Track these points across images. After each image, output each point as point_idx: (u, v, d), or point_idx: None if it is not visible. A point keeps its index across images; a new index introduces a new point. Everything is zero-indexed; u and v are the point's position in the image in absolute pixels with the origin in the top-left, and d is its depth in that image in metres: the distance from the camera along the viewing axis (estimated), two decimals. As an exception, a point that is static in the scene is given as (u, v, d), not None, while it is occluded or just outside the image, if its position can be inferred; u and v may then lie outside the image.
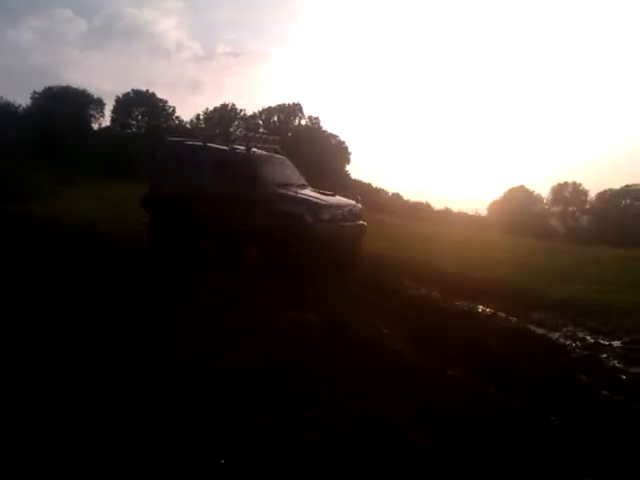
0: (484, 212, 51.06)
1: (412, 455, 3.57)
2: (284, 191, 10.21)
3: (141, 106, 53.93)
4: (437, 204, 48.21)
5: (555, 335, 7.37)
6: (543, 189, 58.44)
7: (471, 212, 46.05)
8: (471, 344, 6.11)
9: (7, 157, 21.08)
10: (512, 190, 54.38)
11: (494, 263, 13.41)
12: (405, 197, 50.62)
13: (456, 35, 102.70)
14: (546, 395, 4.84)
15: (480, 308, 8.42)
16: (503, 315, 8.11)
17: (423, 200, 49.22)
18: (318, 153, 43.73)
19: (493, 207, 53.09)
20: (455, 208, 46.82)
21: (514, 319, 7.94)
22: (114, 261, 9.44)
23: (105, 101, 52.06)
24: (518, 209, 48.30)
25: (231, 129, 53.08)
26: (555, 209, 57.79)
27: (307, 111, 57.10)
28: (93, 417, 3.71)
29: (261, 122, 56.07)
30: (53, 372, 4.43)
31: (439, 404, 4.36)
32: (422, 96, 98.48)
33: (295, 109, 56.68)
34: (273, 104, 56.96)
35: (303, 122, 57.00)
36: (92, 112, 51.40)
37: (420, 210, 44.51)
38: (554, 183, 58.15)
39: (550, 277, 12.12)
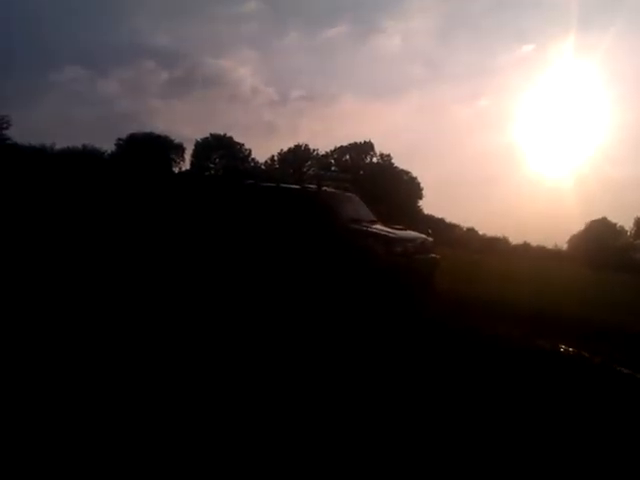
0: (564, 246, 49.22)
1: None
2: (356, 226, 10.24)
3: (219, 149, 56.09)
4: (515, 239, 46.81)
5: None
6: (626, 221, 55.75)
7: (550, 246, 44.44)
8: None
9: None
10: (593, 222, 52.18)
11: (576, 299, 12.79)
12: (480, 232, 49.53)
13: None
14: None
15: (562, 348, 7.99)
16: (587, 355, 7.67)
17: (500, 235, 47.97)
18: (390, 189, 43.73)
19: (573, 241, 51.05)
20: (534, 242, 45.31)
21: (597, 359, 7.50)
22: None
23: (185, 145, 54.47)
24: (600, 242, 46.17)
25: (304, 169, 54.17)
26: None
27: (379, 149, 57.53)
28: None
29: (333, 161, 56.89)
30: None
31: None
32: (493, 128, 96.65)
33: (366, 147, 57.23)
34: (345, 143, 57.79)
35: (375, 159, 57.38)
36: (173, 157, 53.91)
37: (497, 245, 43.43)
38: (638, 215, 55.35)
39: (636, 313, 11.42)
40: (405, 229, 10.87)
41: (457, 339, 8.13)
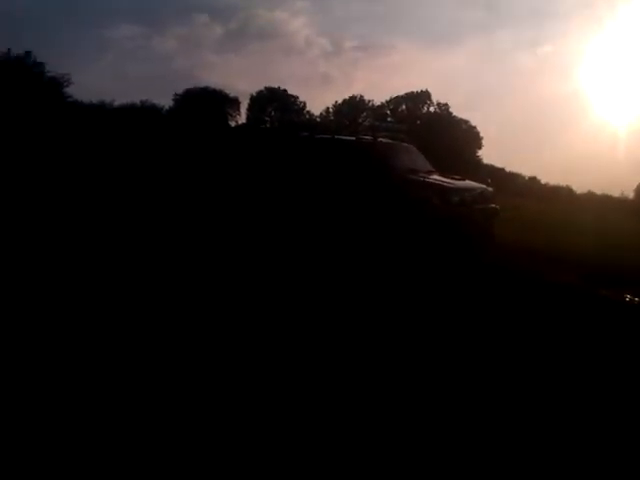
0: (631, 195, 47.00)
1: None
2: (411, 176, 10.13)
3: (274, 102, 55.90)
4: (579, 187, 45.02)
5: None
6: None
7: (616, 195, 42.53)
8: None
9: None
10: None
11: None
12: (543, 181, 47.92)
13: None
14: None
15: (628, 297, 7.77)
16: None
17: (563, 184, 46.27)
18: (448, 139, 42.72)
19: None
20: (599, 191, 43.46)
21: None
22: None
23: (241, 99, 54.45)
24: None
25: (360, 120, 53.44)
26: None
27: (436, 98, 55.97)
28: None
29: (389, 112, 55.84)
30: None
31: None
32: (556, 75, 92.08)
33: (423, 97, 55.78)
34: (401, 93, 56.48)
35: (432, 109, 55.95)
36: (229, 110, 54.09)
37: (560, 194, 41.99)
38: None
39: None
40: (463, 179, 10.66)
41: (517, 283, 8.05)
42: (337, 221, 10.38)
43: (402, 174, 10.19)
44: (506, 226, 11.72)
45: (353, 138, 11.50)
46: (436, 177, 10.43)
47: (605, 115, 76.65)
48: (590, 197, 42.47)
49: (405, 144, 11.52)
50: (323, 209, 10.49)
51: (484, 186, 10.58)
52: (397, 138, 11.61)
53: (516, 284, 8.05)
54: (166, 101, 48.99)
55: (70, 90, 35.05)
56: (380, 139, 11.10)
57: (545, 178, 48.39)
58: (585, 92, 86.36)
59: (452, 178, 10.48)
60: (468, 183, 10.50)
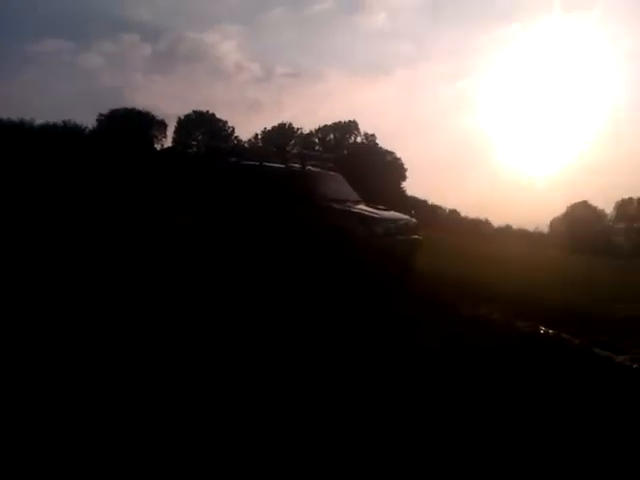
0: (545, 229, 49.55)
1: None
2: (337, 206, 10.19)
3: (202, 127, 55.36)
4: (497, 221, 47.04)
5: (619, 358, 6.94)
6: (607, 205, 56.34)
7: (532, 229, 44.76)
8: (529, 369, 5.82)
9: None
10: (574, 206, 52.58)
11: (557, 283, 12.83)
12: (463, 214, 49.70)
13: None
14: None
15: (542, 330, 8.03)
16: (567, 336, 7.72)
17: (482, 217, 48.18)
18: (374, 170, 43.63)
19: (555, 224, 51.42)
20: (515, 225, 45.58)
21: (577, 341, 7.56)
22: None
23: (168, 122, 53.60)
24: (581, 226, 46.59)
25: (288, 147, 53.77)
26: (620, 226, 55.21)
27: (363, 128, 57.25)
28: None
29: (317, 140, 56.58)
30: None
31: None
32: (477, 108, 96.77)
33: (351, 126, 56.93)
34: (329, 122, 57.41)
35: (359, 139, 57.15)
36: (155, 133, 53.07)
37: (479, 227, 43.65)
38: (618, 199, 55.93)
39: (615, 296, 11.50)
40: (388, 209, 10.83)
41: (437, 317, 8.15)
42: (262, 247, 10.30)
43: (329, 202, 10.24)
44: (428, 258, 11.99)
45: (282, 165, 11.46)
46: (362, 207, 10.54)
47: (522, 149, 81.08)
48: (507, 230, 44.46)
49: (333, 173, 11.61)
50: (249, 234, 10.39)
51: (408, 217, 10.77)
52: (325, 167, 11.67)
53: (434, 316, 8.17)
54: (90, 121, 47.49)
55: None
56: (308, 167, 11.13)
57: (465, 211, 50.21)
58: (503, 125, 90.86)
59: (378, 208, 10.62)
60: (393, 214, 10.67)
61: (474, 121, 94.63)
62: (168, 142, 54.07)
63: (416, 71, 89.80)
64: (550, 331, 7.92)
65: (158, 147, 52.21)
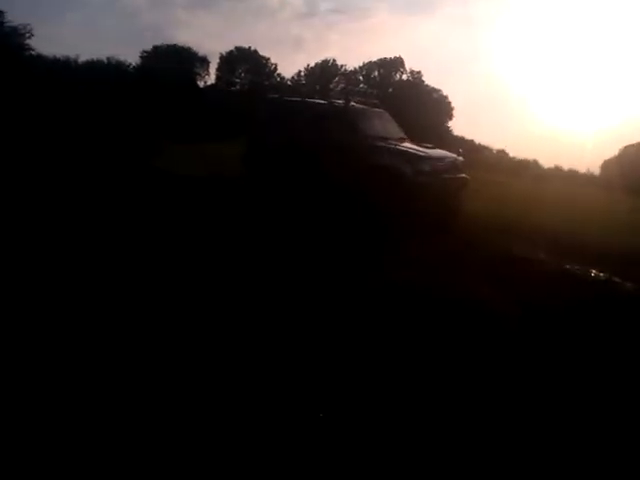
0: (597, 171, 47.62)
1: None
2: (382, 144, 9.93)
3: (245, 63, 54.55)
4: (546, 162, 45.38)
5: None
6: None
7: (583, 171, 43.09)
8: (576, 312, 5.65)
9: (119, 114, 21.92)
10: (628, 147, 50.15)
11: (610, 224, 12.36)
12: (511, 154, 48.11)
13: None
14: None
15: (593, 272, 7.77)
16: (618, 280, 7.45)
17: (530, 158, 46.54)
18: (419, 108, 42.44)
19: (607, 166, 49.29)
20: (565, 166, 43.91)
21: (629, 284, 7.29)
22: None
23: (210, 59, 52.96)
24: (634, 168, 44.52)
25: (331, 85, 52.69)
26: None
27: (409, 65, 55.40)
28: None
29: (362, 77, 55.12)
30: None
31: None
32: (532, 46, 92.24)
33: (397, 63, 55.11)
34: (374, 59, 55.70)
35: (405, 77, 55.42)
36: (198, 70, 52.62)
37: (528, 168, 42.30)
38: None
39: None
40: (435, 148, 10.51)
41: (485, 256, 7.98)
42: (307, 186, 10.20)
43: (373, 140, 9.98)
44: (474, 200, 11.69)
45: (325, 102, 11.20)
46: (407, 145, 10.25)
47: (575, 92, 77.43)
48: (557, 172, 42.93)
49: (377, 110, 11.27)
50: (292, 174, 10.28)
51: (455, 155, 10.45)
52: (370, 103, 11.35)
53: (482, 257, 7.98)
54: (133, 58, 47.32)
55: (32, 42, 33.47)
56: (352, 103, 10.81)
57: (513, 152, 48.58)
58: (557, 65, 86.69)
59: (424, 146, 10.31)
60: (439, 152, 10.36)
61: (525, 61, 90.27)
62: (211, 79, 53.65)
63: (465, 9, 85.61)
64: (601, 274, 7.66)
65: (201, 84, 51.85)
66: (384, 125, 10.88)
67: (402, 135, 10.93)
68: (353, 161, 9.72)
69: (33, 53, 32.39)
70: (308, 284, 5.77)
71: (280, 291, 5.43)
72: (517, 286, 6.45)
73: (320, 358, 3.99)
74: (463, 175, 10.31)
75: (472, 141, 46.91)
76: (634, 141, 49.72)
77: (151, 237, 7.15)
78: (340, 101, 11.06)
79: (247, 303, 4.96)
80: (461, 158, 10.53)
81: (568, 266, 7.96)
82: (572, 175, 41.23)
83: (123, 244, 6.64)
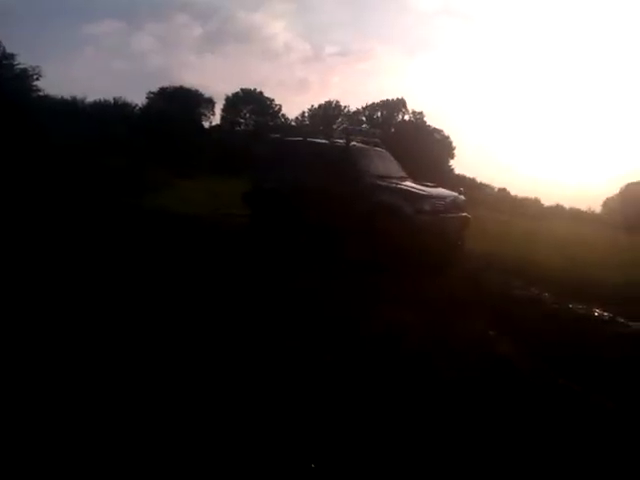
0: (598, 209, 47.63)
1: None
2: (383, 182, 9.96)
3: (249, 104, 55.41)
4: (547, 200, 45.47)
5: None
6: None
7: (584, 209, 43.12)
8: (587, 352, 5.53)
9: (124, 154, 22.14)
10: (630, 185, 50.23)
11: (612, 263, 12.30)
12: (512, 193, 48.25)
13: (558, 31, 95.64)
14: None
15: (597, 312, 7.68)
16: (622, 320, 7.36)
17: (532, 196, 46.65)
18: (421, 148, 42.81)
19: (608, 204, 49.30)
20: (567, 205, 43.98)
21: (635, 324, 7.19)
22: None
23: (215, 100, 53.84)
24: (636, 205, 44.45)
25: (334, 125, 53.33)
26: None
27: (411, 106, 56.19)
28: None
29: (364, 118, 55.87)
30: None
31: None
32: (532, 88, 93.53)
33: (399, 104, 55.93)
34: (377, 100, 56.56)
35: (407, 117, 56.14)
36: (203, 111, 53.41)
37: (529, 206, 42.35)
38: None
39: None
40: (436, 186, 10.53)
41: (488, 296, 7.90)
42: (304, 222, 10.25)
43: (374, 179, 10.02)
44: (476, 239, 11.67)
45: (325, 141, 11.29)
46: (408, 183, 10.28)
47: (574, 131, 78.24)
48: (558, 210, 42.95)
49: (378, 149, 11.35)
50: (293, 210, 10.33)
51: (456, 194, 10.45)
52: (371, 143, 11.43)
53: (487, 296, 7.92)
54: (140, 99, 48.08)
55: (40, 84, 34.05)
56: (353, 143, 10.90)
57: (514, 190, 48.70)
58: (555, 107, 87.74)
59: (425, 185, 10.34)
60: (440, 191, 10.36)
61: (525, 101, 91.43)
62: (216, 119, 54.40)
63: (466, 49, 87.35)
64: (605, 314, 7.57)
65: (207, 124, 52.55)
66: (385, 164, 10.94)
67: (403, 174, 10.98)
68: (354, 200, 9.73)
69: (41, 94, 32.99)
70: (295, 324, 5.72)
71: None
72: (526, 331, 6.25)
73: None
74: (465, 214, 10.30)
75: (473, 179, 47.18)
76: (635, 178, 49.82)
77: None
78: (341, 140, 11.15)
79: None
80: (462, 197, 10.53)
81: (571, 305, 7.87)
82: (573, 213, 41.28)
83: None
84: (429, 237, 9.32)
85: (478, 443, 3.49)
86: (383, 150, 11.41)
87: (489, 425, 3.75)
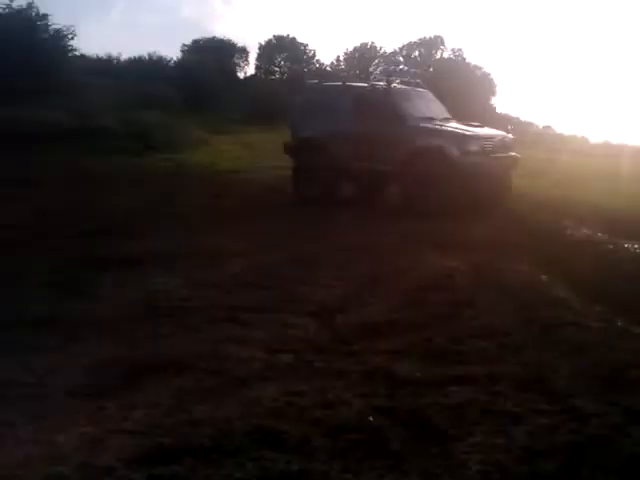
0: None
1: (578, 420, 3.01)
2: (427, 125, 9.63)
3: (283, 52, 54.45)
4: (594, 137, 43.67)
5: None
6: None
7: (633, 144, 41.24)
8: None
9: (160, 109, 22.10)
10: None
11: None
12: (558, 130, 46.54)
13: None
14: None
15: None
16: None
17: (578, 134, 44.91)
18: (462, 86, 41.38)
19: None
20: (614, 141, 42.14)
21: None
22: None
23: (249, 49, 53.12)
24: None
25: (371, 68, 52.08)
26: None
27: (450, 44, 54.22)
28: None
29: (402, 58, 54.23)
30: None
31: (611, 363, 3.70)
32: (577, 22, 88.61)
33: (437, 42, 54.00)
34: (414, 39, 54.70)
35: (446, 55, 54.22)
36: (237, 61, 52.83)
37: (575, 144, 40.85)
38: None
39: None
40: (482, 126, 10.14)
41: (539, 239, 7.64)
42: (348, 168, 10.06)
43: (418, 121, 9.70)
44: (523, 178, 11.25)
45: (366, 84, 10.96)
46: (454, 124, 9.92)
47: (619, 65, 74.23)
48: (605, 147, 41.24)
49: (421, 90, 10.94)
50: (337, 157, 10.12)
51: (504, 133, 10.07)
52: (412, 84, 11.04)
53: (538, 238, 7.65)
54: (174, 53, 47.82)
55: (75, 43, 34.05)
56: (394, 84, 10.54)
57: (560, 127, 47.03)
58: (599, 40, 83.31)
59: (471, 125, 9.96)
60: (487, 130, 9.98)
61: (566, 35, 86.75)
62: (251, 69, 53.79)
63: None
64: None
65: (241, 75, 52.04)
66: (428, 105, 10.56)
67: (447, 115, 10.59)
68: (398, 144, 9.46)
69: (77, 53, 33.05)
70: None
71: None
72: (578, 274, 5.98)
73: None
74: (513, 154, 9.92)
75: (517, 118, 45.71)
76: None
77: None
78: (382, 83, 10.80)
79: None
80: (510, 136, 10.15)
81: (627, 245, 7.52)
82: (623, 148, 39.60)
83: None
84: (477, 179, 9.05)
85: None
86: (425, 91, 11.00)
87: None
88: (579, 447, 2.72)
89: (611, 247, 7.40)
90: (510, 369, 3.59)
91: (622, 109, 56.42)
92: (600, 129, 49.35)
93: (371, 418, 2.91)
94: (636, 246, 7.46)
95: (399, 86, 10.63)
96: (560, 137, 44.13)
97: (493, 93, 52.42)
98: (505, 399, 3.19)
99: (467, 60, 52.88)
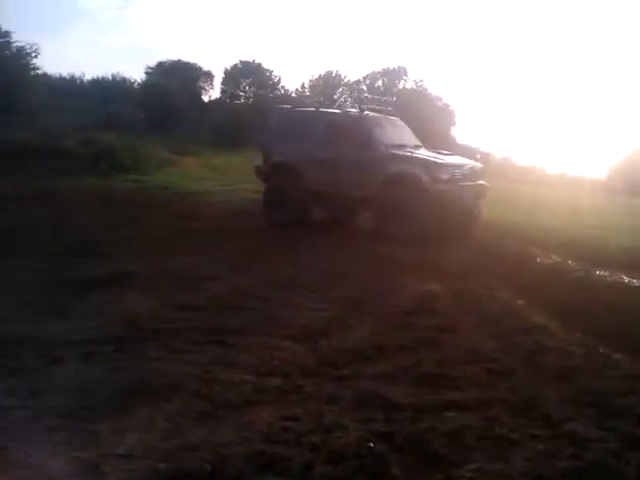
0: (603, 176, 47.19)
1: (576, 445, 3.03)
2: (399, 151, 9.75)
3: (249, 77, 54.65)
4: (551, 168, 45.12)
5: None
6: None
7: (589, 176, 42.72)
8: (622, 319, 5.39)
9: (124, 130, 21.84)
10: (636, 153, 49.73)
11: (624, 227, 12.08)
12: (516, 161, 47.86)
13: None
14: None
15: (626, 279, 7.51)
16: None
17: (535, 165, 46.31)
18: (424, 115, 42.25)
19: (613, 170, 48.88)
20: (571, 173, 43.58)
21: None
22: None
23: (214, 73, 53.16)
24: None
25: (335, 96, 52.72)
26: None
27: (412, 74, 55.40)
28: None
29: (365, 87, 55.09)
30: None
31: (598, 388, 3.75)
32: (533, 56, 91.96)
33: (400, 72, 55.13)
34: (378, 68, 55.71)
35: (408, 85, 55.36)
36: (202, 85, 52.76)
37: (533, 174, 42.04)
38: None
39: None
40: (453, 154, 10.32)
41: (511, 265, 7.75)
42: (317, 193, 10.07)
43: (389, 148, 9.81)
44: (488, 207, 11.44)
45: (338, 111, 11.06)
46: (424, 152, 10.06)
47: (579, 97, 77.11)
48: (563, 178, 42.57)
49: (392, 117, 11.09)
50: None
51: (473, 162, 10.25)
52: (384, 111, 11.19)
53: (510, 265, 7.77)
54: (138, 74, 47.51)
55: (38, 62, 33.52)
56: (366, 112, 10.66)
57: (517, 159, 48.30)
58: (559, 71, 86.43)
59: (440, 153, 10.12)
60: (457, 159, 10.14)
61: (523, 69, 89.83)
62: (216, 93, 53.77)
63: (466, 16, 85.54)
64: (635, 280, 7.41)
65: (206, 98, 51.98)
66: (399, 132, 10.69)
67: (418, 142, 10.75)
68: (370, 170, 9.54)
69: (39, 72, 32.50)
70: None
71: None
72: (554, 300, 6.08)
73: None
74: (482, 182, 10.09)
75: (477, 149, 46.76)
76: (640, 145, 49.25)
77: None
78: (354, 110, 10.92)
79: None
80: (479, 164, 10.34)
81: (598, 272, 7.71)
82: (578, 180, 40.93)
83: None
84: (447, 207, 9.17)
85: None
86: (397, 118, 11.16)
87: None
88: (581, 473, 2.73)
89: (582, 274, 7.56)
90: (501, 394, 3.61)
91: (577, 142, 58.36)
92: (556, 161, 50.86)
93: (372, 444, 2.85)
94: (606, 274, 7.65)
95: (371, 113, 10.75)
96: (519, 168, 45.42)
97: (453, 123, 53.74)
98: (500, 424, 3.19)
99: (429, 91, 54.19)
